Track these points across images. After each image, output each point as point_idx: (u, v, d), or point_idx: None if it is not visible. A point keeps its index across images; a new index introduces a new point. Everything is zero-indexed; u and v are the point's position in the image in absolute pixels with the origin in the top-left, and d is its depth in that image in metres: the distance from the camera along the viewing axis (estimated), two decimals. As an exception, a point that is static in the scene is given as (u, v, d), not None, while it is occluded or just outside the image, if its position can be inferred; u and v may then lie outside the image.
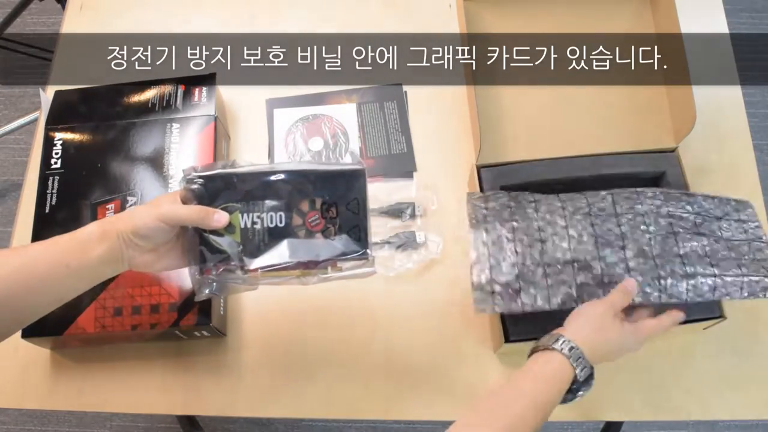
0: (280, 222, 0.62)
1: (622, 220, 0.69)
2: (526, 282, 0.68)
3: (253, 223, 0.61)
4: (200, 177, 0.62)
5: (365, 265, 0.63)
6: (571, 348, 0.58)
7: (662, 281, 0.67)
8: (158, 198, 0.62)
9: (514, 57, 0.83)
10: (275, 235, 0.61)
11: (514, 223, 0.70)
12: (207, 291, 0.61)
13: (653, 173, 0.80)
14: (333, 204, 0.63)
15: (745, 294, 0.68)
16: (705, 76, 0.92)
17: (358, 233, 0.62)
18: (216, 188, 0.62)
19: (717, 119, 0.89)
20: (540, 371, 0.58)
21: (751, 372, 0.76)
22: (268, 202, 0.62)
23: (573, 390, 0.59)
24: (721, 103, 0.91)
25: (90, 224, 0.59)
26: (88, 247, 0.58)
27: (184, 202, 0.61)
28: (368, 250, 0.62)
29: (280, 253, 0.61)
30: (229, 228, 0.61)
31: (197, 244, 0.61)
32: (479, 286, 0.68)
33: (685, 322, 0.71)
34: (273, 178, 0.63)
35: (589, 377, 0.59)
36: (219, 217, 0.60)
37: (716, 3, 0.98)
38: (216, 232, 0.60)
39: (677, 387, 0.76)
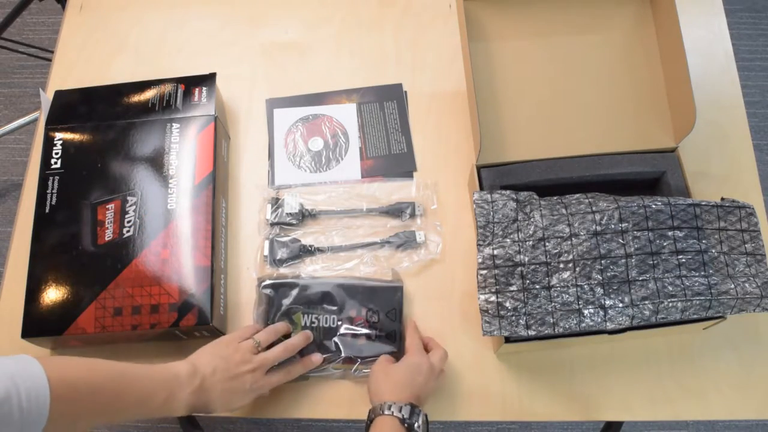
0: (333, 323, 0.77)
1: (628, 238, 0.70)
2: (532, 309, 0.68)
3: (311, 322, 0.77)
4: (272, 285, 0.78)
5: None
6: (389, 405, 0.65)
7: (661, 304, 0.68)
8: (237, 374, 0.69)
9: (514, 57, 0.83)
10: (328, 334, 0.76)
11: (521, 243, 0.71)
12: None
13: (653, 173, 0.80)
14: (376, 312, 0.77)
15: (737, 312, 0.69)
16: (705, 76, 0.92)
17: (394, 336, 0.76)
18: (283, 293, 0.78)
19: (717, 119, 0.89)
20: None
21: (751, 372, 0.77)
22: (324, 307, 0.77)
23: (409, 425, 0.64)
24: (721, 103, 0.91)
25: (185, 397, 0.65)
26: (175, 413, 0.65)
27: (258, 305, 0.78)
28: (402, 352, 0.75)
29: (331, 348, 0.76)
30: (292, 324, 0.76)
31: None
32: (486, 311, 0.69)
33: (686, 322, 0.71)
34: (329, 288, 0.78)
35: (412, 411, 0.65)
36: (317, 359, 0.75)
37: (716, 3, 0.98)
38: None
39: (677, 387, 0.76)
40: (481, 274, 0.70)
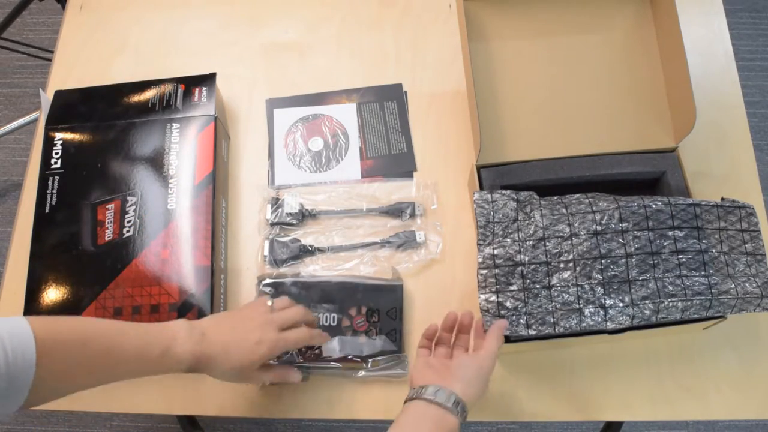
0: (333, 322, 0.76)
1: (629, 238, 0.70)
2: (532, 308, 0.68)
3: None
4: (272, 283, 0.78)
5: (399, 367, 0.75)
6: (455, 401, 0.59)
7: (661, 303, 0.68)
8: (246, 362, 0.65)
9: (514, 56, 0.83)
10: (328, 332, 0.75)
11: (521, 243, 0.71)
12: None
13: (653, 173, 0.80)
14: (376, 311, 0.77)
15: (737, 311, 0.69)
16: (705, 75, 0.92)
17: (395, 335, 0.76)
18: (283, 292, 0.77)
19: (717, 119, 0.89)
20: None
21: (751, 372, 0.77)
22: (325, 306, 0.77)
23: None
24: (721, 103, 0.91)
25: (185, 350, 0.62)
26: (174, 367, 0.62)
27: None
28: (401, 351, 0.76)
29: (332, 347, 0.75)
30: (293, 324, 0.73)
31: None
32: (486, 310, 0.69)
33: (685, 322, 0.71)
34: (329, 287, 0.78)
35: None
36: (297, 376, 0.72)
37: (716, 3, 0.98)
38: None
39: (677, 387, 0.76)
40: (481, 274, 0.70)
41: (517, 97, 0.82)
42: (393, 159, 0.89)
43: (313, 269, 0.82)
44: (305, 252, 0.82)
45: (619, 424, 0.99)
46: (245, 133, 0.92)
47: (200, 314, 0.74)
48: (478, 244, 0.71)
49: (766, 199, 0.86)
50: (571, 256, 0.70)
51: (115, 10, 1.02)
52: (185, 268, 0.76)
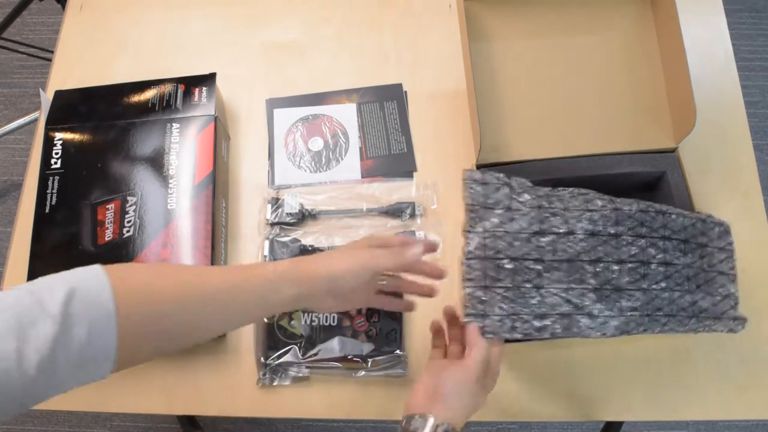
0: (333, 322, 0.77)
1: (622, 243, 0.67)
2: (519, 308, 0.64)
3: (312, 321, 0.77)
4: None
5: (399, 366, 0.75)
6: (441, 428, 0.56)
7: (647, 316, 0.66)
8: (353, 247, 0.63)
9: (514, 56, 0.83)
10: (328, 332, 0.76)
11: (514, 235, 0.66)
12: (267, 377, 0.75)
13: (653, 173, 0.80)
14: (376, 311, 0.77)
15: (709, 330, 0.68)
16: (705, 75, 0.92)
17: (395, 335, 0.77)
18: None
19: (717, 119, 0.89)
20: None
21: (751, 372, 0.77)
22: None
23: None
24: (721, 103, 0.91)
25: (284, 263, 0.59)
26: (281, 287, 0.58)
27: None
28: (401, 351, 0.76)
29: (332, 347, 0.75)
30: (293, 323, 0.76)
31: (266, 334, 0.76)
32: (471, 305, 0.63)
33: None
34: None
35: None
36: (414, 251, 0.62)
37: (716, 3, 0.98)
38: (282, 326, 0.77)
39: (677, 387, 0.76)
40: (467, 265, 0.64)
41: (517, 97, 0.82)
42: (393, 159, 0.89)
43: (313, 269, 0.82)
44: (305, 252, 0.82)
45: (619, 424, 0.99)
46: (245, 133, 0.92)
47: (200, 314, 0.74)
48: (467, 231, 0.66)
49: (766, 199, 0.86)
50: (566, 256, 0.66)
51: (115, 10, 1.02)
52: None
